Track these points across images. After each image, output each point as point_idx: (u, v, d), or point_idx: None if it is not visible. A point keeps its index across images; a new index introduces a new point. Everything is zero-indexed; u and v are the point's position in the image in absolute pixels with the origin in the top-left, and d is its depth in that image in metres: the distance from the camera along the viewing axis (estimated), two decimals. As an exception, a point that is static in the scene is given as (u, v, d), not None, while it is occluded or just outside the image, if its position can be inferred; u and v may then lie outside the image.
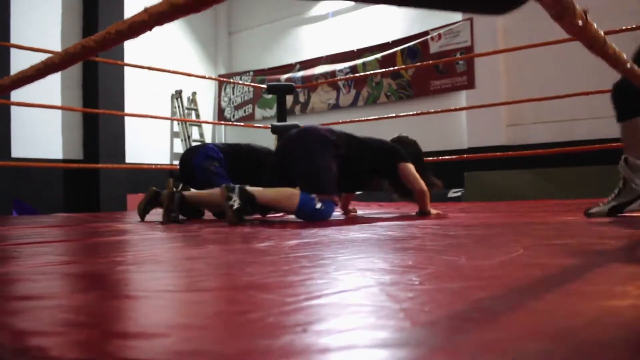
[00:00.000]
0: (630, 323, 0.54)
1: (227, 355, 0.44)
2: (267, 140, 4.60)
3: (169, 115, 8.09)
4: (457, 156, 4.75)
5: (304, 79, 7.81)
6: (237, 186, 2.23)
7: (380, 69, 6.82)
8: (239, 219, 2.15)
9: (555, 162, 5.13)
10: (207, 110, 8.83)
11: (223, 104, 8.92)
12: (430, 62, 5.33)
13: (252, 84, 6.66)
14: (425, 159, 2.92)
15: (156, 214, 2.85)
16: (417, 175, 2.61)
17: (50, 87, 6.31)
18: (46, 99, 5.90)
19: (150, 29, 0.76)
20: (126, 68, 6.74)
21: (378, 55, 7.16)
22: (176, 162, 5.86)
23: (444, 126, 6.37)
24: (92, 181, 6.52)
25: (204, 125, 8.50)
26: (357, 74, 7.02)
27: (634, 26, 3.26)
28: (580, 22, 0.76)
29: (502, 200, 4.47)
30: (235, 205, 2.15)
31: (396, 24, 7.09)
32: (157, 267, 1.05)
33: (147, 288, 0.83)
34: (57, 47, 6.34)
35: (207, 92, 8.85)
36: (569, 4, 0.72)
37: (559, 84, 5.14)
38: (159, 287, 0.84)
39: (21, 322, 0.58)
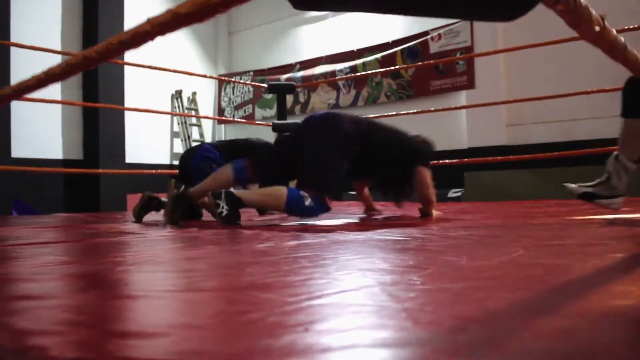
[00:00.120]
0: (632, 323, 0.54)
1: (228, 355, 0.44)
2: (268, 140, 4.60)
3: (168, 116, 8.09)
4: (457, 160, 4.74)
5: (304, 79, 7.81)
6: (223, 192, 2.24)
7: (380, 69, 6.82)
8: (228, 225, 2.20)
9: (555, 162, 5.13)
10: (207, 111, 8.83)
11: (223, 104, 8.92)
12: (431, 62, 5.33)
13: (253, 83, 6.66)
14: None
15: (156, 214, 2.85)
16: (431, 183, 2.55)
17: (50, 87, 6.28)
18: (46, 98, 5.90)
19: (153, 39, 0.76)
20: (126, 68, 6.74)
21: (378, 55, 7.16)
22: (176, 162, 5.86)
23: (444, 126, 6.37)
24: (92, 181, 6.51)
25: (204, 125, 8.49)
26: (357, 74, 7.02)
27: (636, 26, 3.25)
28: (597, 28, 0.73)
29: (502, 200, 4.47)
30: (224, 212, 2.21)
31: (396, 24, 7.09)
32: (157, 268, 1.05)
33: (147, 288, 0.83)
34: (57, 47, 6.34)
35: (207, 92, 8.85)
36: (584, 10, 0.69)
37: (559, 84, 5.13)
38: (159, 287, 0.83)
39: (21, 322, 0.57)
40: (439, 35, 6.56)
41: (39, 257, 1.21)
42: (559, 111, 5.57)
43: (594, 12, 0.71)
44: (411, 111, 4.90)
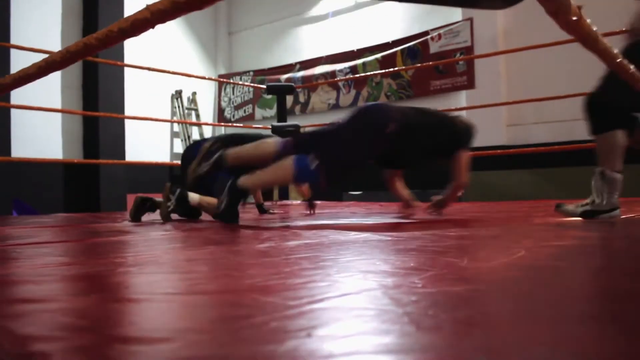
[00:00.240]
0: (636, 327, 0.54)
1: (231, 361, 0.44)
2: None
3: (169, 115, 8.09)
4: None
5: (304, 79, 7.80)
6: (227, 185, 2.23)
7: (380, 69, 6.81)
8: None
9: (555, 162, 5.13)
10: (207, 110, 8.82)
11: (223, 104, 8.92)
12: (431, 62, 5.32)
13: (252, 84, 6.66)
14: None
15: (156, 214, 2.85)
16: (469, 168, 2.49)
17: (50, 87, 6.31)
18: (46, 99, 5.91)
19: (153, 27, 0.76)
20: (126, 68, 6.74)
21: (378, 55, 7.16)
22: (176, 162, 5.85)
23: (444, 126, 6.36)
24: (92, 181, 6.51)
25: (203, 125, 8.49)
26: (357, 74, 7.02)
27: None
28: (574, 18, 0.77)
29: (502, 200, 4.47)
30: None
31: (396, 24, 7.08)
32: (158, 269, 1.05)
33: (148, 291, 0.83)
34: (57, 47, 6.33)
35: (207, 92, 8.85)
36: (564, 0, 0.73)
37: (559, 84, 5.13)
38: (160, 290, 0.83)
39: (23, 327, 0.57)
40: (439, 35, 6.56)
41: (39, 258, 1.20)
42: (559, 111, 5.57)
43: (572, 2, 0.75)
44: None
